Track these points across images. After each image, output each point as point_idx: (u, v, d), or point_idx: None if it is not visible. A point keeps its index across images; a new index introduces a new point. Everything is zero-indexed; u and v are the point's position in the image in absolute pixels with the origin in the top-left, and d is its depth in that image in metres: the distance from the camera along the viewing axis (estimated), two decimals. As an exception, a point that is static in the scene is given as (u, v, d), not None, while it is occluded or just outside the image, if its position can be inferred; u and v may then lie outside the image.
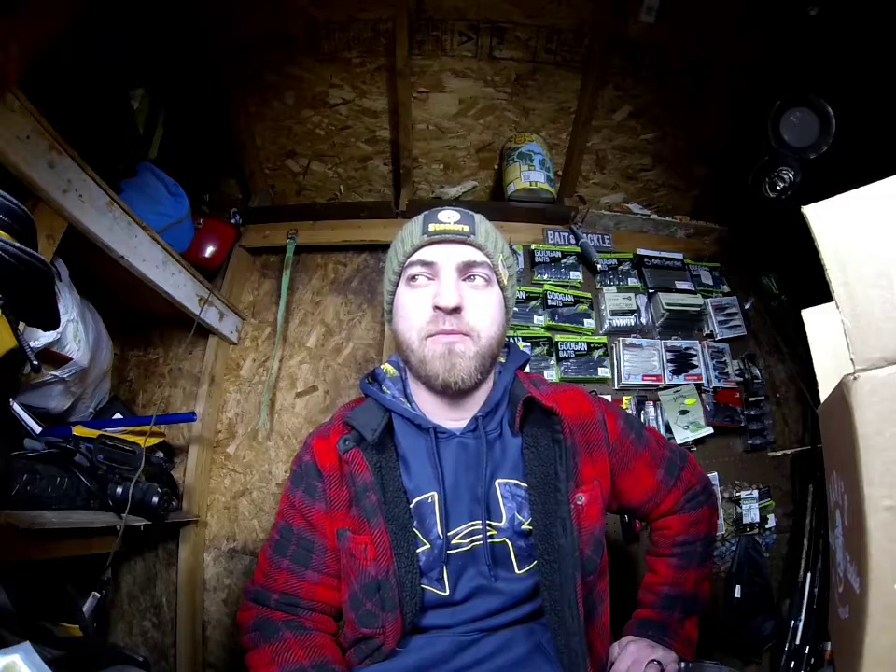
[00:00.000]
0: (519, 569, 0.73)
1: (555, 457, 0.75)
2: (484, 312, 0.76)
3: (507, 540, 0.73)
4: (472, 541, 0.73)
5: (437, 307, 0.73)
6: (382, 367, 0.88)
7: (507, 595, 0.72)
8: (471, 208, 0.84)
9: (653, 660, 0.78)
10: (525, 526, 0.74)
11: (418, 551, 0.72)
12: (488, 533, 0.73)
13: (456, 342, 0.73)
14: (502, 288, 0.81)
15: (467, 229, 0.77)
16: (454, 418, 0.79)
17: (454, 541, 0.73)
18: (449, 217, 0.78)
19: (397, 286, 0.80)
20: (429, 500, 0.74)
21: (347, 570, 0.75)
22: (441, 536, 0.72)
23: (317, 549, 0.78)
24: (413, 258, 0.77)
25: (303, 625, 0.76)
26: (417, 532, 0.73)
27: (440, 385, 0.73)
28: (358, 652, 0.74)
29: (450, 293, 0.72)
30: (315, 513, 0.78)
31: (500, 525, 0.74)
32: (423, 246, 0.77)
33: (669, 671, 0.78)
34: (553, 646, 0.70)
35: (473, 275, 0.76)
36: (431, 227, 0.77)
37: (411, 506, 0.73)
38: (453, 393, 0.76)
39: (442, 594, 0.71)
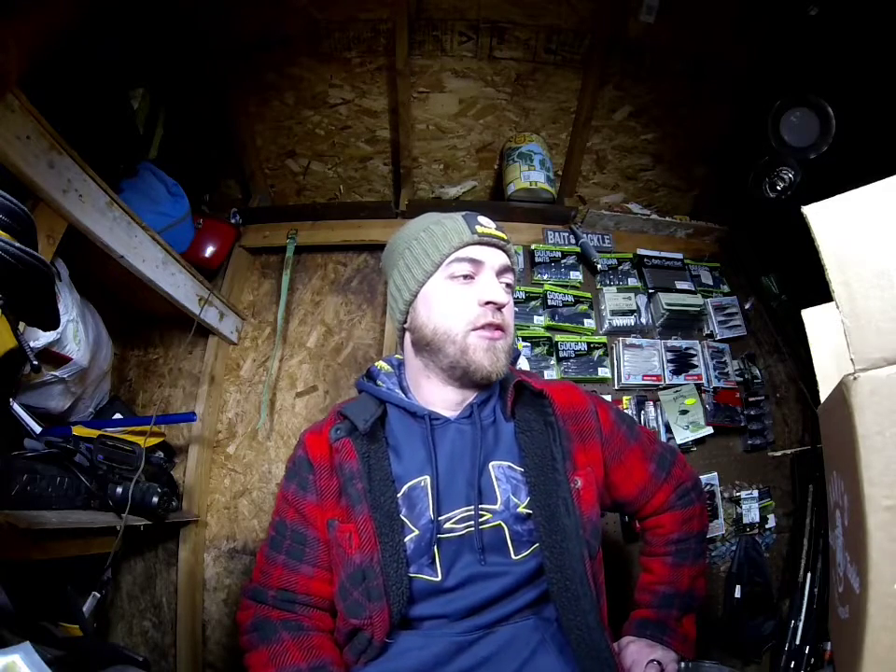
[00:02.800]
0: (516, 555, 0.73)
1: (549, 439, 0.77)
2: (511, 312, 0.84)
3: (502, 524, 0.73)
4: (466, 527, 0.73)
5: (490, 301, 0.77)
6: (376, 364, 0.91)
7: (503, 581, 0.71)
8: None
9: (653, 660, 0.78)
10: (521, 509, 0.74)
11: (405, 539, 0.72)
12: (484, 517, 0.73)
13: (498, 338, 0.78)
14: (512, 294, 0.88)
15: (505, 237, 0.84)
16: (451, 408, 0.82)
17: (446, 526, 0.73)
18: (489, 224, 0.83)
19: (430, 277, 0.81)
20: (422, 484, 0.75)
21: (336, 560, 0.76)
22: (433, 519, 0.72)
23: (310, 542, 0.79)
24: (461, 254, 0.80)
25: (301, 625, 0.76)
26: (406, 520, 0.73)
27: (482, 376, 0.77)
28: (353, 650, 0.74)
29: (500, 291, 0.79)
30: (307, 506, 0.79)
31: (495, 507, 0.74)
32: (471, 245, 0.80)
33: (669, 671, 0.78)
34: (561, 637, 0.69)
35: (506, 282, 0.83)
36: (479, 228, 0.81)
37: (400, 493, 0.75)
38: (486, 384, 0.80)
39: (434, 579, 0.71)
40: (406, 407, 0.81)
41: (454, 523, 0.73)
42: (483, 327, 0.77)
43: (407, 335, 0.86)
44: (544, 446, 0.77)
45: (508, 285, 0.83)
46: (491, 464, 0.77)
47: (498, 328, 0.78)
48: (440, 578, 0.71)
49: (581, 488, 0.76)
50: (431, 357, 0.80)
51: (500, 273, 0.82)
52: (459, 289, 0.79)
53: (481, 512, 0.73)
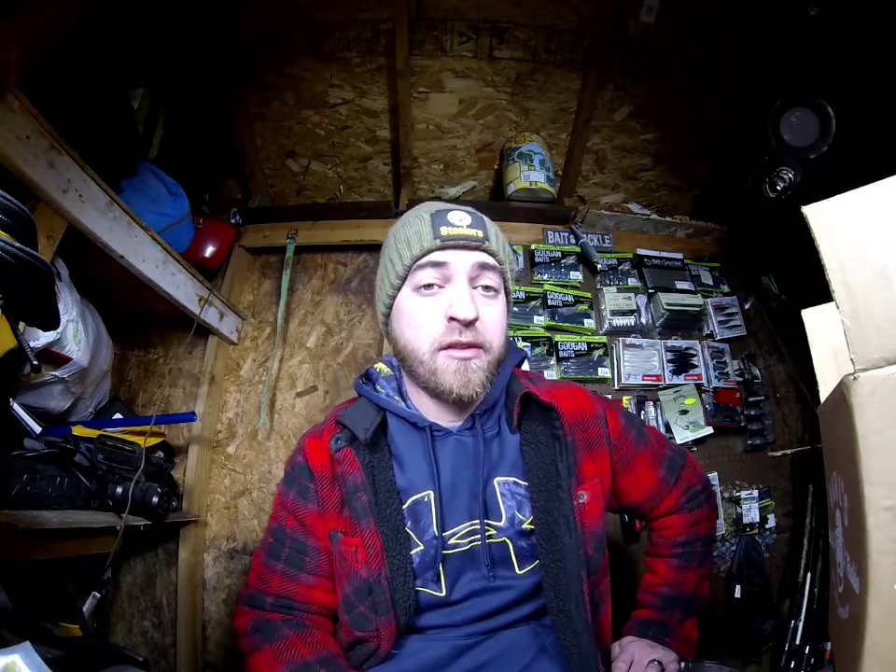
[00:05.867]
0: (520, 569, 0.72)
1: (555, 454, 0.73)
2: (496, 323, 0.73)
3: (507, 540, 0.72)
4: (471, 542, 0.72)
5: (454, 318, 0.69)
6: (375, 366, 0.85)
7: (507, 595, 0.71)
8: (473, 208, 0.81)
9: (654, 660, 0.78)
10: (525, 525, 0.73)
11: (412, 552, 0.71)
12: (489, 532, 0.72)
13: (472, 357, 0.70)
14: (506, 293, 0.78)
15: (480, 234, 0.73)
16: (451, 419, 0.78)
17: (451, 541, 0.72)
18: (461, 220, 0.73)
19: (399, 290, 0.74)
20: (425, 499, 0.73)
21: (340, 573, 0.74)
22: (437, 536, 0.71)
23: (311, 551, 0.77)
24: (423, 261, 0.71)
25: (303, 623, 0.76)
26: (411, 533, 0.71)
27: (453, 399, 0.70)
28: (355, 657, 0.73)
29: (467, 304, 0.69)
30: (307, 515, 0.77)
31: (500, 524, 0.73)
32: (434, 251, 0.71)
33: (670, 671, 0.78)
34: (559, 647, 0.69)
35: (485, 284, 0.73)
36: (443, 230, 0.71)
37: (405, 506, 0.72)
38: (461, 404, 0.74)
39: (439, 594, 0.70)
40: (406, 417, 0.76)
41: (458, 538, 0.72)
42: (449, 346, 0.69)
43: None
44: (549, 461, 0.73)
45: (487, 287, 0.73)
46: (496, 479, 0.74)
47: (471, 346, 0.70)
48: (444, 593, 0.70)
49: (587, 502, 0.74)
50: (408, 373, 0.77)
51: (476, 275, 0.72)
52: (424, 302, 0.71)
53: (485, 527, 0.72)
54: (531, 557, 0.73)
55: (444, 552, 0.71)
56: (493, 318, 0.73)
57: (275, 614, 0.76)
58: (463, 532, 0.72)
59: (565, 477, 0.72)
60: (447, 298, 0.70)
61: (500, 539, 0.72)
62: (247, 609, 0.79)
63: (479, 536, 0.71)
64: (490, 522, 0.72)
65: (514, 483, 0.75)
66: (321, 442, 0.78)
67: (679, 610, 0.84)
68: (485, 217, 0.77)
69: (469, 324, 0.69)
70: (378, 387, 0.82)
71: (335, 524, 0.75)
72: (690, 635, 0.84)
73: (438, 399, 0.75)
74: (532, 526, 0.72)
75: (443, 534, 0.71)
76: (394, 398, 0.80)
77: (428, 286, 0.71)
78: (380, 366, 0.85)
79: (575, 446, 0.77)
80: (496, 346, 0.73)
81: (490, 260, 0.74)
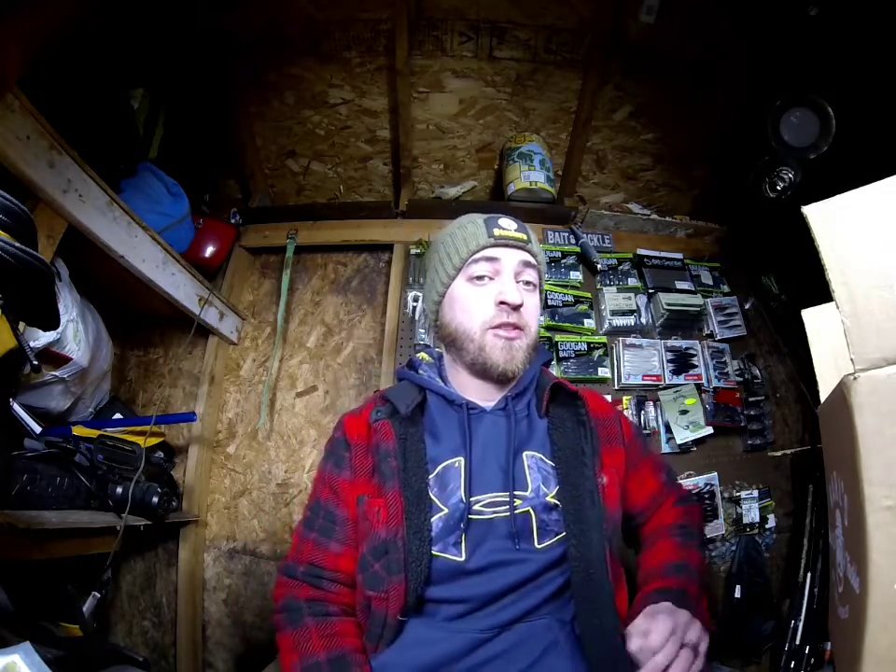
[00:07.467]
0: (539, 543, 0.74)
1: (581, 437, 0.81)
2: (534, 311, 0.87)
3: (531, 510, 0.75)
4: (495, 511, 0.75)
5: (504, 302, 0.81)
6: (417, 355, 0.96)
7: (525, 568, 0.72)
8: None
9: (686, 644, 0.67)
10: (549, 498, 0.76)
11: (433, 518, 0.74)
12: (515, 503, 0.75)
13: (515, 338, 0.82)
14: (540, 291, 0.91)
15: (525, 237, 0.87)
16: (485, 399, 0.86)
17: (475, 507, 0.75)
18: (509, 225, 0.87)
19: (453, 280, 0.87)
20: (456, 465, 0.78)
21: (362, 534, 0.79)
22: (464, 500, 0.74)
23: (340, 520, 0.81)
24: (478, 255, 0.85)
25: (326, 607, 0.78)
26: (435, 499, 0.75)
27: (498, 373, 0.82)
28: (371, 636, 0.74)
29: (515, 292, 0.82)
30: (340, 482, 0.82)
31: (526, 494, 0.76)
32: (488, 247, 0.85)
33: (702, 650, 0.70)
34: (574, 639, 0.70)
35: (526, 279, 0.86)
36: (496, 231, 0.85)
37: (434, 473, 0.77)
38: (504, 380, 0.85)
39: (458, 559, 0.72)
40: (445, 395, 0.85)
41: (482, 506, 0.75)
42: (498, 326, 0.81)
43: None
44: (575, 442, 0.80)
45: (528, 282, 0.86)
46: (524, 453, 0.80)
47: (515, 327, 0.82)
48: (463, 558, 0.72)
49: (607, 485, 0.80)
50: (457, 354, 0.87)
51: (520, 271, 0.85)
52: (477, 291, 0.84)
53: (513, 498, 0.76)
54: (552, 532, 0.75)
55: (469, 516, 0.74)
56: (532, 306, 0.86)
57: (304, 588, 0.79)
58: (487, 501, 0.76)
59: (589, 457, 0.79)
60: (497, 287, 0.84)
61: (525, 510, 0.75)
62: (283, 579, 0.83)
63: (503, 507, 0.75)
64: (516, 493, 0.76)
65: (541, 459, 0.80)
66: (360, 418, 0.87)
67: (694, 582, 0.76)
68: (527, 226, 0.92)
69: (515, 308, 0.82)
70: (420, 371, 0.92)
71: (364, 489, 0.80)
72: (706, 618, 0.73)
73: (481, 376, 0.86)
74: (555, 500, 0.76)
75: (469, 499, 0.75)
76: (435, 379, 0.90)
77: (480, 277, 0.85)
78: (422, 355, 0.96)
79: (597, 435, 0.84)
80: (532, 331, 0.86)
81: (532, 260, 0.88)
